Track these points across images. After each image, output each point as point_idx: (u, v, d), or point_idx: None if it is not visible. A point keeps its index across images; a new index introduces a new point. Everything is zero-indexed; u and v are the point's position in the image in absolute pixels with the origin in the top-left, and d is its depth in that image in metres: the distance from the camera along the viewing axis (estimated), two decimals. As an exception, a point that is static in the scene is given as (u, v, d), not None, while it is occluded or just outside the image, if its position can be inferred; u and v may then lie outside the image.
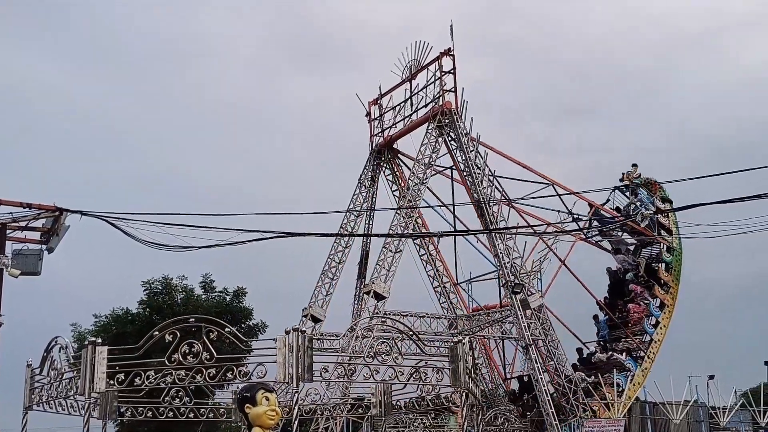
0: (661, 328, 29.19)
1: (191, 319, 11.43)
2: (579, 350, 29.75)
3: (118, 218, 17.61)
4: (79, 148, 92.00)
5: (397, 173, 33.43)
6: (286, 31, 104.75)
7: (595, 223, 31.51)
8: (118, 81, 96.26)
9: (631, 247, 32.22)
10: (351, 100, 34.33)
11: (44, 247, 17.61)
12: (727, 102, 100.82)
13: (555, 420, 24.93)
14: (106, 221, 17.40)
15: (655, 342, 28.91)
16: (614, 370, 27.20)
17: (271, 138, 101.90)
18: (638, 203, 31.77)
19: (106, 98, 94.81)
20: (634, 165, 33.14)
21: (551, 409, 25.20)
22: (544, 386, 25.68)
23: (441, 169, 31.50)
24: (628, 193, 32.46)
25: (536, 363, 26.32)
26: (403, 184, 32.39)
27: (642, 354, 28.50)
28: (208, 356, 10.81)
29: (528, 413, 27.51)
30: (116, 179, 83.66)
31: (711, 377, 31.57)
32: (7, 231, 17.15)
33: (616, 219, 31.28)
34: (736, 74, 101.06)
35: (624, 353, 28.45)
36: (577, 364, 28.65)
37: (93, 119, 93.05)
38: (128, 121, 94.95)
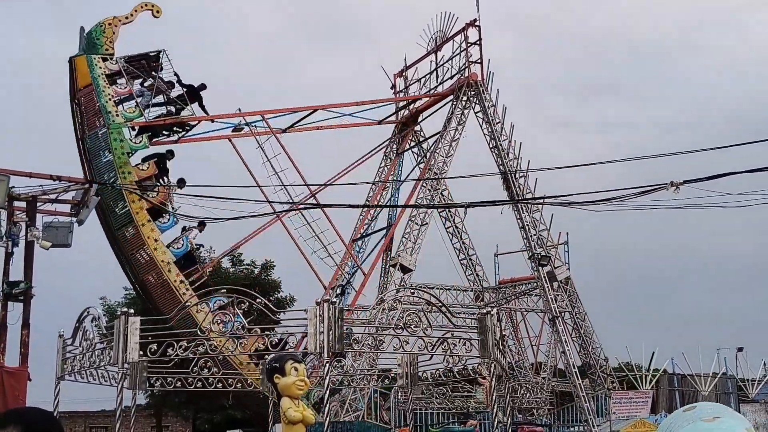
0: None
1: (223, 290, 11.47)
2: None
3: (147, 190, 17.72)
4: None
5: (423, 145, 33.22)
6: (303, 12, 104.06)
7: None
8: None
9: None
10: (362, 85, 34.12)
11: (74, 219, 17.72)
12: (751, 76, 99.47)
13: (582, 391, 24.89)
14: (135, 193, 17.51)
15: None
16: None
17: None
18: None
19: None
20: None
21: (579, 380, 25.16)
22: (571, 358, 25.62)
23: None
24: None
25: (563, 335, 26.24)
26: (428, 156, 32.17)
27: None
28: (240, 327, 10.85)
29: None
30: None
31: (740, 349, 31.41)
32: (38, 203, 17.29)
33: None
34: (759, 49, 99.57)
35: None
36: None
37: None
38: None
